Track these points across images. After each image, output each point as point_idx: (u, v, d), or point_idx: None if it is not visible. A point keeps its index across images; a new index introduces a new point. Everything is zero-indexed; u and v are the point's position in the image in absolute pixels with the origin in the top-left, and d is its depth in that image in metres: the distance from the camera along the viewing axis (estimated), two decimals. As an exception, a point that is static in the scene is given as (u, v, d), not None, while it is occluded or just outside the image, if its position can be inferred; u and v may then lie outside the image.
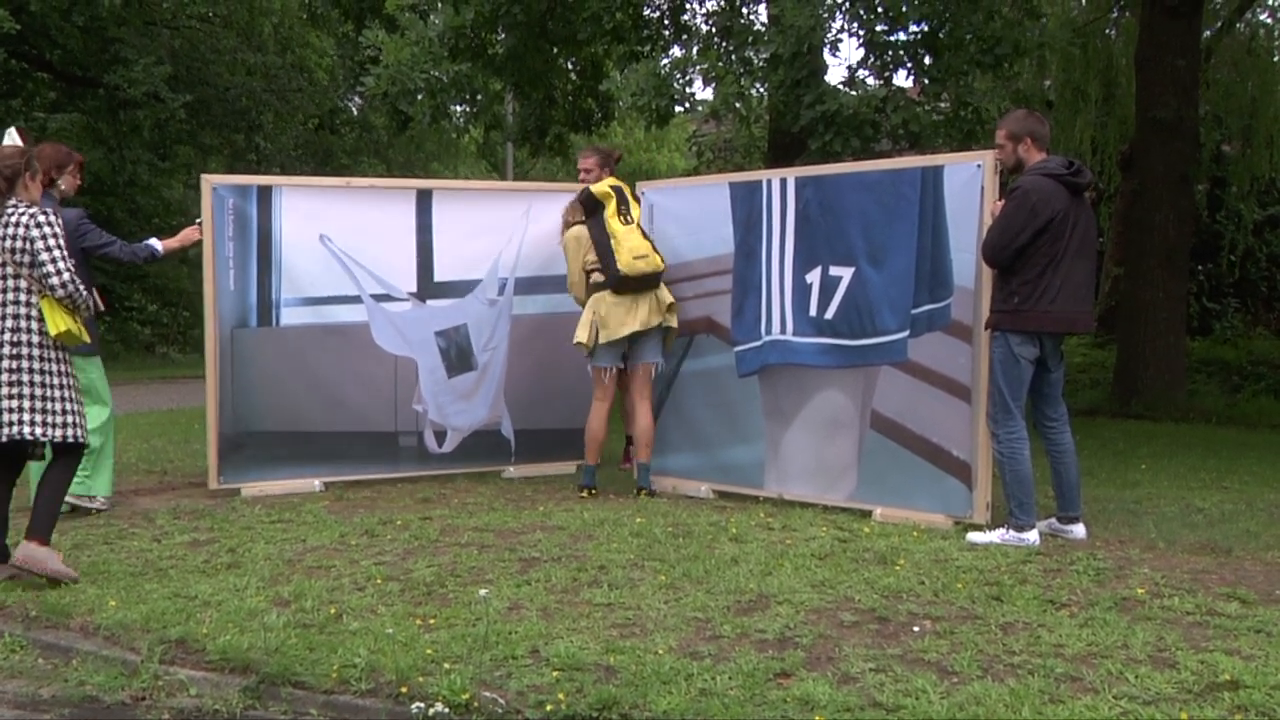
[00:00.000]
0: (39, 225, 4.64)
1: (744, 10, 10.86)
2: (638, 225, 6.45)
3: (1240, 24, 14.73)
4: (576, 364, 6.94)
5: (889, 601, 4.22)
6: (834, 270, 6.08)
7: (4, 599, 4.46)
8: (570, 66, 13.54)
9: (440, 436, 7.13)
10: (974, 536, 5.29)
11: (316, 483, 6.72)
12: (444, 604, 4.23)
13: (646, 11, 10.64)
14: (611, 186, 6.52)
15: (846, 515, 5.84)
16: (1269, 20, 16.40)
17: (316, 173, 23.62)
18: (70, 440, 4.69)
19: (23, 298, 4.66)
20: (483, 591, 4.34)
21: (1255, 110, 14.86)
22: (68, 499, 5.47)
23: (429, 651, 3.64)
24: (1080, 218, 5.20)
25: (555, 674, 3.44)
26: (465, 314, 7.15)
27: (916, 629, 3.90)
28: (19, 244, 4.65)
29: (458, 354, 7.13)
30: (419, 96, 10.45)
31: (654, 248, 6.42)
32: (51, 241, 4.65)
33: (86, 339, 4.86)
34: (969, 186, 5.63)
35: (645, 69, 9.24)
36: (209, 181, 6.63)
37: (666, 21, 11.18)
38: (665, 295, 6.48)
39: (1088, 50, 14.27)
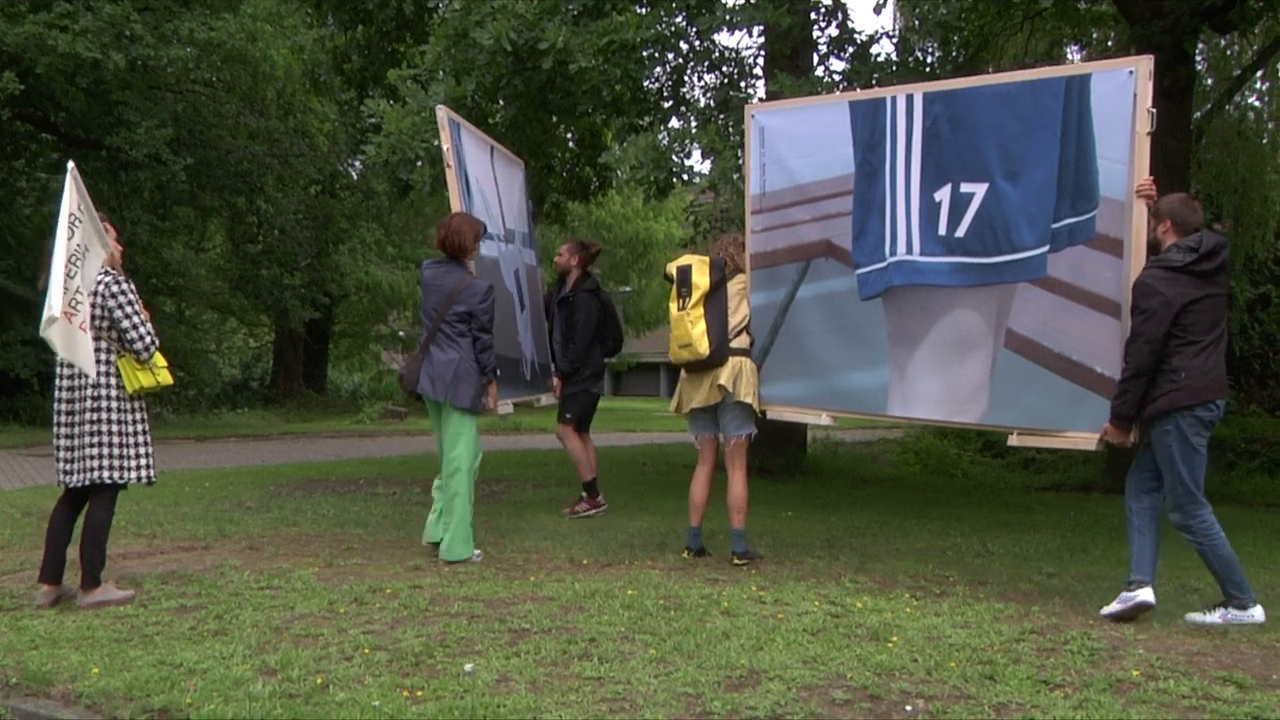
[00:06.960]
0: (114, 294, 5.30)
1: (742, 84, 11.02)
2: (693, 308, 6.39)
3: (1229, 106, 14.96)
4: None
5: (881, 679, 4.17)
6: (965, 187, 5.89)
7: (-15, 664, 4.41)
8: (569, 136, 13.70)
9: None
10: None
11: None
12: (432, 675, 4.18)
13: (646, 83, 10.78)
14: (679, 268, 6.52)
15: (839, 590, 5.80)
16: (1257, 103, 16.70)
17: (316, 237, 23.81)
18: (141, 480, 5.48)
19: (103, 357, 5.32)
20: (468, 667, 4.29)
21: (1245, 190, 15.10)
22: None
23: (415, 725, 3.60)
24: (1210, 298, 5.18)
25: (543, 750, 3.39)
26: None
27: (909, 708, 3.86)
28: (97, 311, 5.28)
29: None
30: (419, 164, 10.54)
31: (706, 331, 6.37)
32: (130, 309, 5.34)
33: (166, 381, 5.58)
34: (1119, 94, 5.43)
35: (644, 141, 9.32)
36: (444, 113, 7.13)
37: (665, 93, 11.32)
38: (721, 375, 6.40)
39: (1081, 129, 14.47)
